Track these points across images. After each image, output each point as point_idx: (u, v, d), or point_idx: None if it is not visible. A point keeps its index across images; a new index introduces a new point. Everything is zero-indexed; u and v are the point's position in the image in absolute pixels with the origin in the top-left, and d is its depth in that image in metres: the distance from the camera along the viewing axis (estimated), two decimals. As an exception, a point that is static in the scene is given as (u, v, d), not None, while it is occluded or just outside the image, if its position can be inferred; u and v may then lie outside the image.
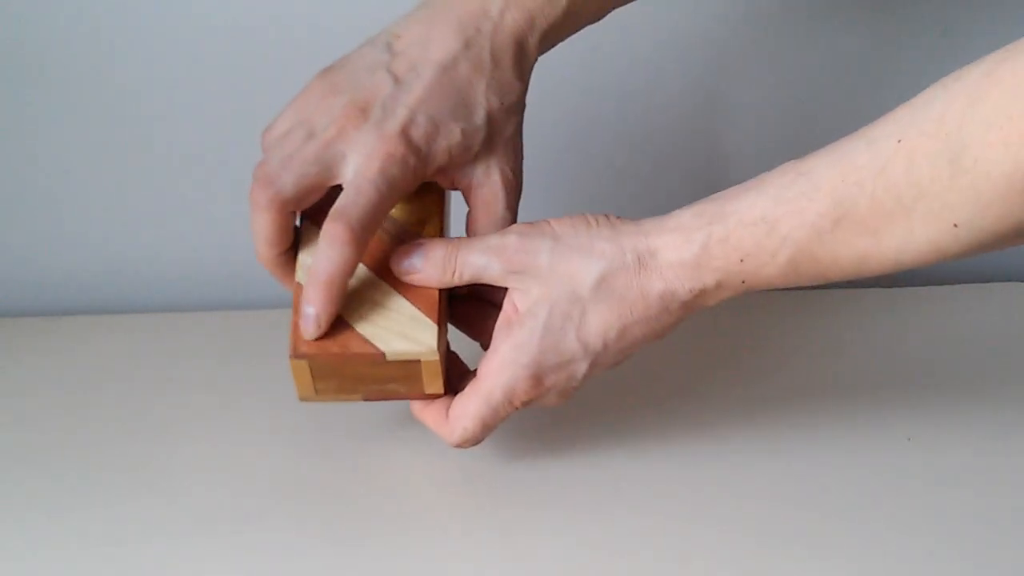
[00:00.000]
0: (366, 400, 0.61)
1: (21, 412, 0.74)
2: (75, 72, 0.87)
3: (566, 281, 0.57)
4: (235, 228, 0.92)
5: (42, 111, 0.86)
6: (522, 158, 0.63)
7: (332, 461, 0.67)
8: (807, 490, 0.62)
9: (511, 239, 0.58)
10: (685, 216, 0.56)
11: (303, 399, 0.60)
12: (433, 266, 0.58)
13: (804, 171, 0.52)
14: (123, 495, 0.64)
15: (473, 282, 0.59)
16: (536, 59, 0.62)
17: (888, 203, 0.49)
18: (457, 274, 0.59)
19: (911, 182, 0.48)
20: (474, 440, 0.60)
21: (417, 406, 0.62)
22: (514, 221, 0.61)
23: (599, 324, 0.57)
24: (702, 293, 0.56)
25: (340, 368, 0.58)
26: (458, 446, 0.60)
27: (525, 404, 0.59)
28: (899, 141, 0.49)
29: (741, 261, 0.54)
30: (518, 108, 0.62)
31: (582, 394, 0.62)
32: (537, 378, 0.58)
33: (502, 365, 0.58)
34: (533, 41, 0.61)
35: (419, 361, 0.58)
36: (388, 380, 0.59)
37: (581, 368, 0.58)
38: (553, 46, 0.63)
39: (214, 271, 0.92)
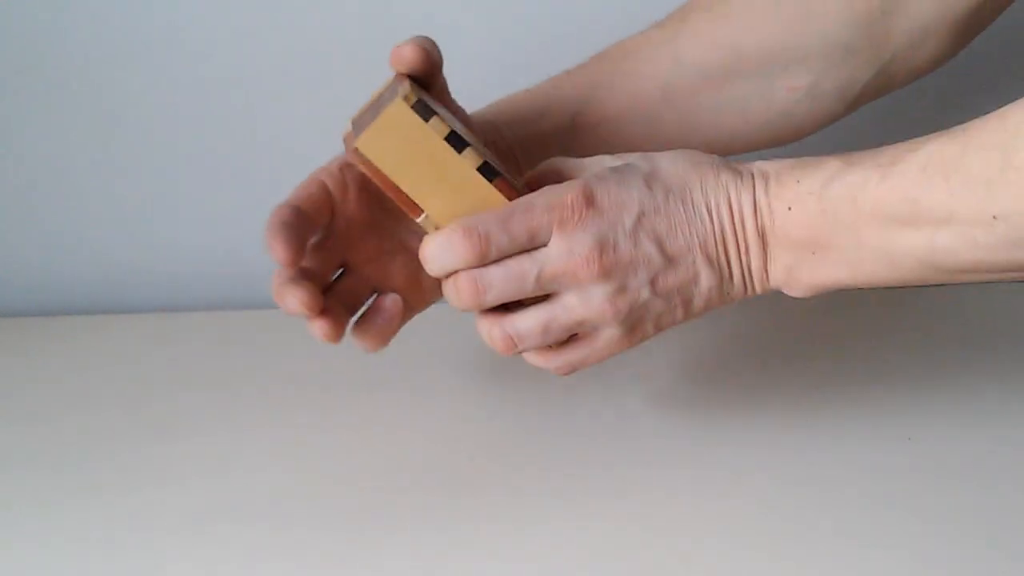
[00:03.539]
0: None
1: (21, 412, 0.74)
2: (75, 72, 0.87)
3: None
4: (235, 228, 0.92)
5: (42, 111, 0.87)
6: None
7: (332, 461, 0.67)
8: (807, 490, 0.62)
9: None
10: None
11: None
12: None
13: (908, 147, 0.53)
14: (123, 495, 0.64)
15: None
16: None
17: (939, 173, 0.50)
18: None
19: (962, 165, 0.50)
20: (481, 237, 0.55)
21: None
22: None
23: (670, 173, 0.56)
24: (757, 202, 0.56)
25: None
26: (465, 238, 0.55)
27: (564, 224, 0.55)
28: (964, 130, 0.51)
29: (798, 182, 0.55)
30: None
31: (584, 392, 0.62)
32: (588, 197, 0.55)
33: (549, 186, 0.56)
34: None
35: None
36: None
37: (632, 214, 0.55)
38: None
39: (214, 271, 0.92)
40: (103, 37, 0.86)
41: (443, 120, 0.55)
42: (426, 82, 0.59)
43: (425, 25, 0.63)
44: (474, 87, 0.64)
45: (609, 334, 0.57)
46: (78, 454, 0.68)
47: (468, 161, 0.55)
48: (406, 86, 0.56)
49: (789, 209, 0.55)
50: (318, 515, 0.61)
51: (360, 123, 0.57)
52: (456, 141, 0.55)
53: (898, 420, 0.68)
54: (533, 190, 0.57)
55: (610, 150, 0.61)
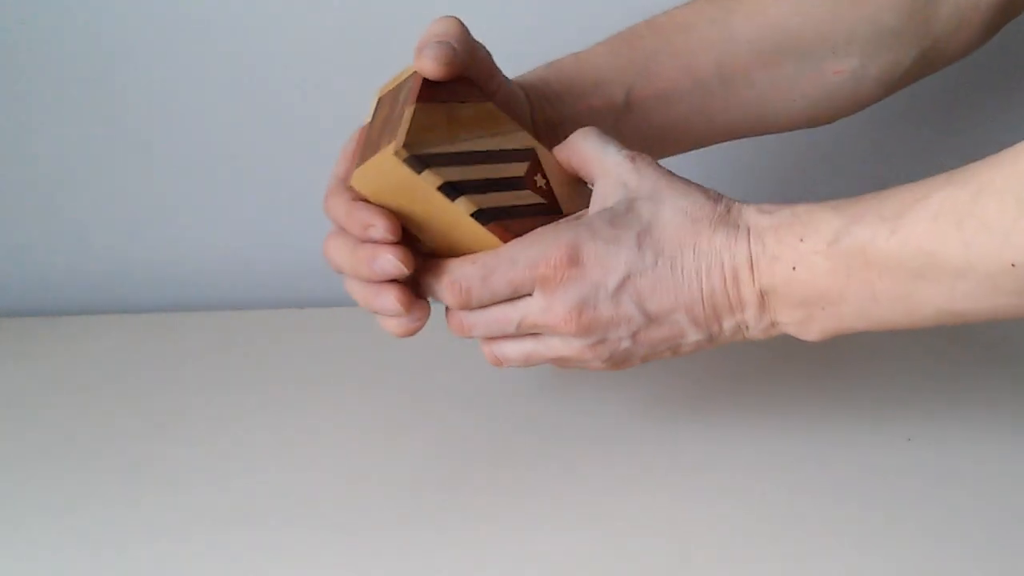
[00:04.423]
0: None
1: (21, 412, 0.74)
2: (75, 72, 0.87)
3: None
4: (235, 228, 0.92)
5: (42, 111, 0.87)
6: None
7: (332, 460, 0.67)
8: (807, 490, 0.62)
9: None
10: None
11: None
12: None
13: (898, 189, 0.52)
14: (123, 495, 0.64)
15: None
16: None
17: (951, 223, 0.49)
18: None
19: (975, 213, 0.48)
20: (463, 291, 0.57)
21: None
22: None
23: (670, 234, 0.55)
24: (756, 260, 0.54)
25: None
26: (448, 290, 0.57)
27: (545, 281, 0.55)
28: (973, 175, 0.49)
29: (800, 241, 0.53)
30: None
31: (582, 392, 0.62)
32: (573, 258, 0.55)
33: (540, 232, 0.56)
34: None
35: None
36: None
37: (616, 276, 0.55)
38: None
39: (214, 271, 0.92)
40: (105, 36, 0.86)
41: (438, 170, 0.55)
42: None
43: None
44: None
45: (595, 366, 0.59)
46: (78, 454, 0.68)
47: (462, 207, 0.56)
48: (403, 131, 0.55)
49: (794, 269, 0.53)
50: (317, 515, 0.61)
51: (374, 129, 0.57)
52: (450, 191, 0.55)
53: (898, 420, 0.68)
54: (560, 171, 0.59)
55: (658, 126, 0.62)
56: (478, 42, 0.60)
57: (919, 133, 0.92)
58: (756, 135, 0.71)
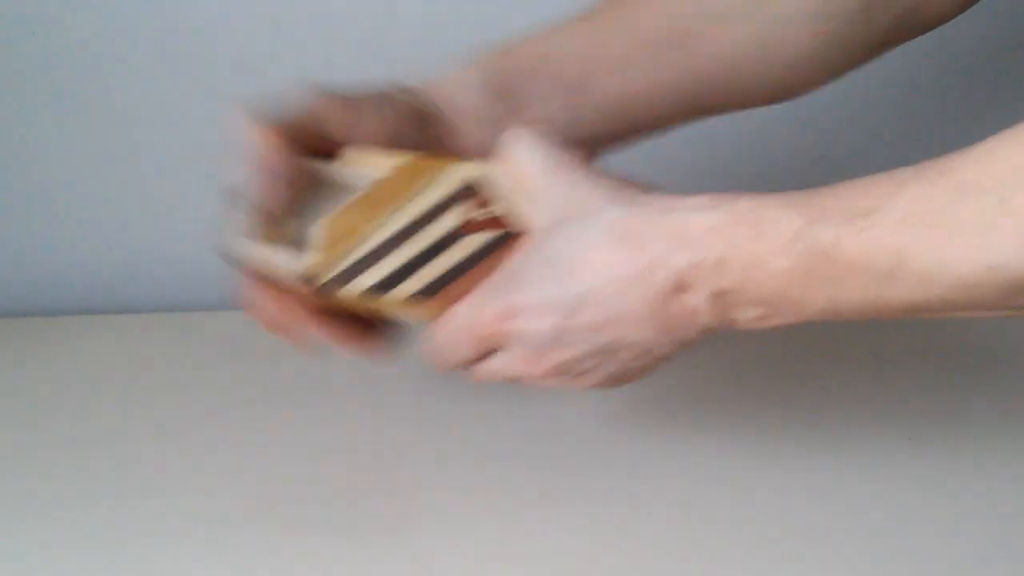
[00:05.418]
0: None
1: (21, 412, 0.74)
2: (75, 72, 0.87)
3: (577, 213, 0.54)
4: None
5: (42, 111, 0.86)
6: None
7: (332, 461, 0.67)
8: (806, 490, 0.62)
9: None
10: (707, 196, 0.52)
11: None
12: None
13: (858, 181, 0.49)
14: (123, 495, 0.64)
15: None
16: None
17: (923, 223, 0.46)
18: None
19: (949, 212, 0.46)
20: (435, 362, 0.58)
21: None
22: None
23: (596, 259, 0.52)
24: (700, 265, 0.50)
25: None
26: (425, 358, 0.58)
27: (494, 339, 0.55)
28: (949, 170, 0.47)
29: (752, 241, 0.50)
30: None
31: (583, 392, 0.62)
32: (506, 314, 0.54)
33: (477, 293, 0.56)
34: None
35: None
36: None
37: (550, 321, 0.53)
38: None
39: (214, 271, 0.92)
40: (104, 35, 0.86)
41: (357, 280, 0.55)
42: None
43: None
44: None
45: (595, 386, 0.58)
46: (77, 454, 0.68)
47: (400, 296, 0.56)
48: (308, 262, 0.55)
49: (744, 270, 0.50)
50: (317, 515, 0.61)
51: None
52: (378, 291, 0.55)
53: (898, 420, 0.68)
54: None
55: (616, 102, 0.61)
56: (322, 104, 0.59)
57: (918, 134, 0.92)
58: (728, 110, 0.68)
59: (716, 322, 0.53)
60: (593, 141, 0.64)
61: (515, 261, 0.55)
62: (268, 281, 0.58)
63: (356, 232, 0.56)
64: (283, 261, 0.56)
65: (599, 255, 0.52)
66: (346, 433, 0.70)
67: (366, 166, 0.58)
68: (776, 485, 0.63)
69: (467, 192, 0.57)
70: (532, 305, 0.54)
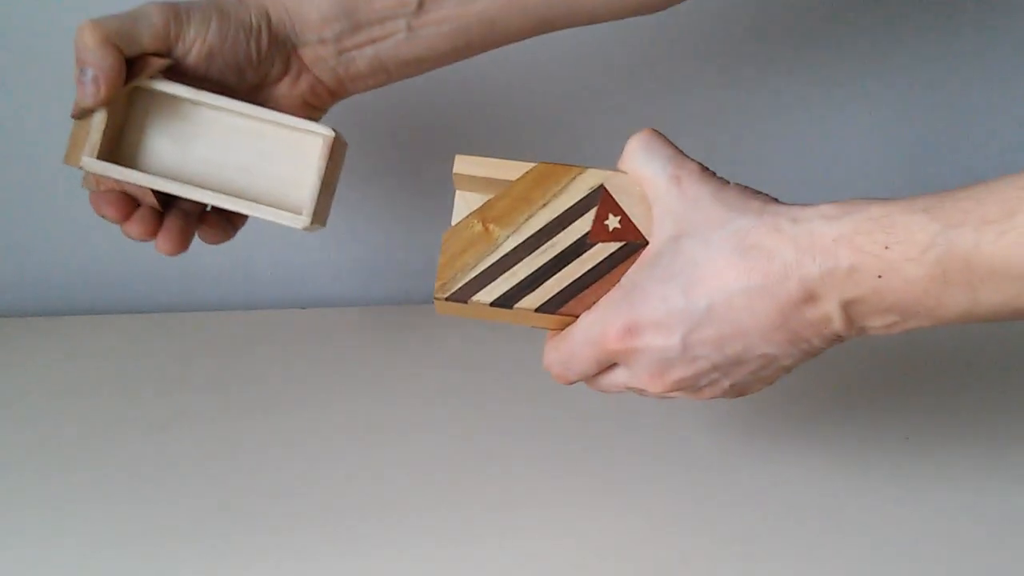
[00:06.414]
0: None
1: (21, 412, 0.74)
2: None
3: (699, 224, 0.53)
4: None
5: (42, 111, 0.86)
6: None
7: (332, 461, 0.67)
8: (806, 490, 0.62)
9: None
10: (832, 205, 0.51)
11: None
12: None
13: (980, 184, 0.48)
14: (123, 495, 0.64)
15: None
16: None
17: None
18: None
19: None
20: (558, 374, 0.57)
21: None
22: None
23: (722, 271, 0.52)
24: (831, 274, 0.50)
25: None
26: (548, 371, 0.58)
27: (618, 355, 0.54)
28: None
29: (886, 248, 0.49)
30: None
31: (583, 392, 0.62)
32: (629, 330, 0.53)
33: (601, 305, 0.55)
34: None
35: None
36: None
37: (676, 336, 0.52)
38: None
39: (214, 271, 0.92)
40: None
41: (484, 292, 0.55)
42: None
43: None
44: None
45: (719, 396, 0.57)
46: (77, 454, 0.68)
47: (525, 308, 0.56)
48: (438, 272, 0.55)
49: (880, 277, 0.49)
50: (317, 515, 0.61)
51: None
52: (504, 303, 0.56)
53: (897, 420, 0.68)
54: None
55: (457, 17, 0.62)
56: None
57: (916, 138, 0.92)
58: (582, 22, 0.66)
59: (846, 331, 0.52)
60: (433, 58, 0.64)
61: (638, 273, 0.55)
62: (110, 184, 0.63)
63: (479, 243, 0.56)
64: (122, 174, 0.62)
65: (726, 266, 0.52)
66: (345, 433, 0.70)
67: (488, 169, 0.57)
68: (776, 485, 0.63)
69: (600, 196, 0.56)
70: (657, 320, 0.53)
